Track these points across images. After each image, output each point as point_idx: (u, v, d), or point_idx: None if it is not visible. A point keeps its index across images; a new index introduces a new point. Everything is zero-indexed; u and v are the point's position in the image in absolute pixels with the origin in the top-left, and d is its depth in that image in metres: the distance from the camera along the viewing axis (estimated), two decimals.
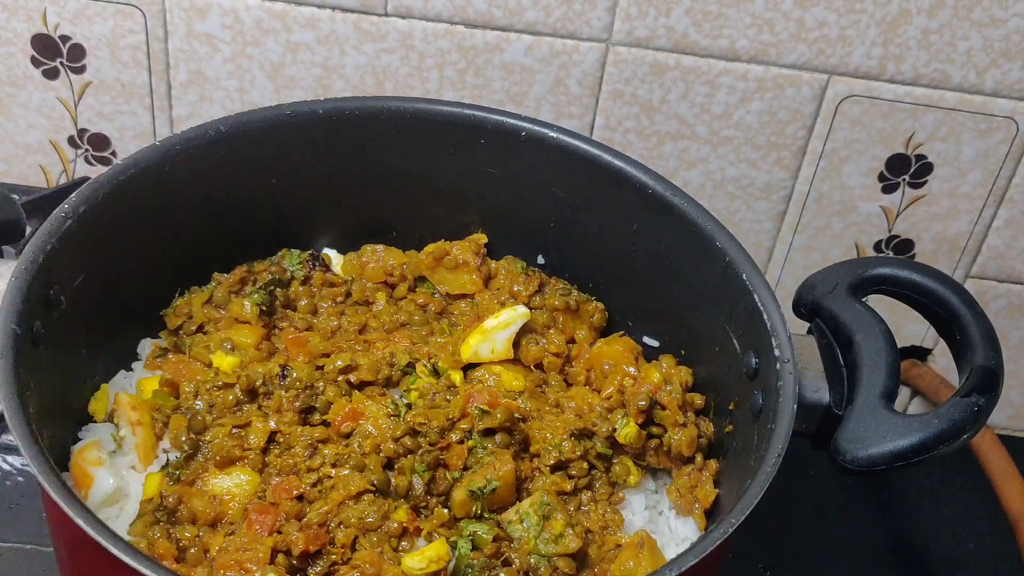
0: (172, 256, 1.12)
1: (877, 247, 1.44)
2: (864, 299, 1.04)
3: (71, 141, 1.42)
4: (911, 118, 1.33)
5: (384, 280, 1.20)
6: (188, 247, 1.13)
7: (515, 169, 1.16)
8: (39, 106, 1.38)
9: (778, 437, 0.91)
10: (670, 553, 1.02)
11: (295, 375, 1.03)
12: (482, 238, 1.21)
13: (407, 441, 0.98)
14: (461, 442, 1.00)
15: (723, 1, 1.25)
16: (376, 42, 1.31)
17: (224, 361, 1.06)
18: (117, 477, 1.00)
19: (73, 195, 1.00)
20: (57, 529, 0.93)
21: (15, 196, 1.06)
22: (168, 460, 1.01)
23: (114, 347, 1.10)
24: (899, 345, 1.02)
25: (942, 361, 1.51)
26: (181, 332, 1.13)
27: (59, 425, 1.00)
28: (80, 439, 1.03)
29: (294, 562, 0.91)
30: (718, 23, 1.27)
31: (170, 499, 0.96)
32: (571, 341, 1.17)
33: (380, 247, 1.21)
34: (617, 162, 1.12)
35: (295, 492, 0.96)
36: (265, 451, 1.01)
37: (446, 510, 0.97)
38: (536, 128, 1.14)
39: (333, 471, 0.97)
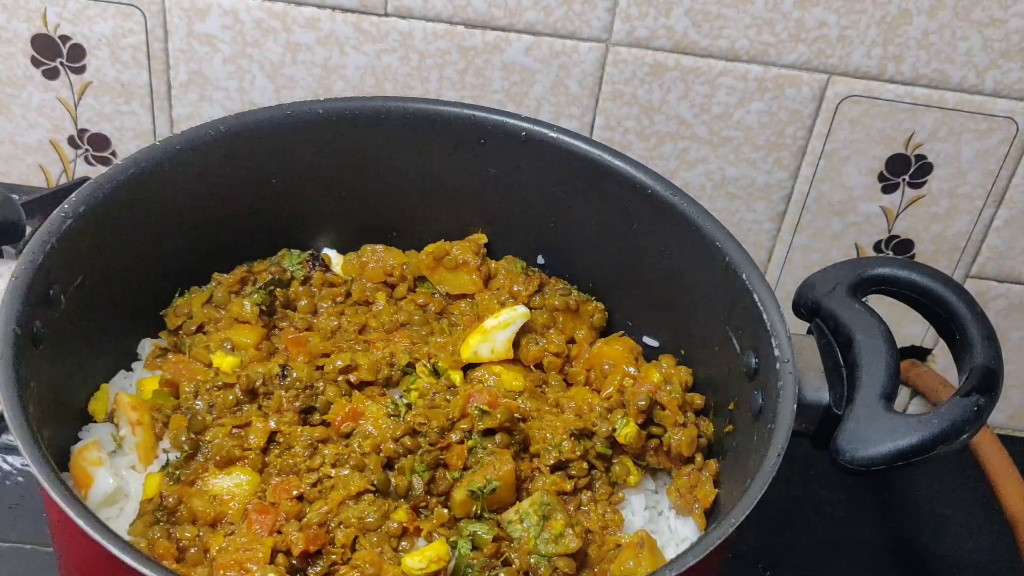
0: (172, 256, 1.12)
1: (877, 247, 1.44)
2: (864, 299, 1.04)
3: (71, 141, 1.42)
4: (911, 118, 1.33)
5: (384, 280, 1.20)
6: (188, 247, 1.13)
7: (515, 169, 1.16)
8: (39, 106, 1.38)
9: (778, 437, 0.91)
10: (670, 553, 1.02)
11: (295, 375, 1.03)
12: (482, 238, 1.21)
13: (407, 441, 0.98)
14: (461, 442, 1.00)
15: (723, 1, 1.25)
16: (376, 42, 1.31)
17: (224, 361, 1.06)
18: (117, 477, 1.00)
19: (73, 195, 1.00)
20: (57, 529, 0.93)
21: (15, 196, 1.06)
22: (168, 460, 1.01)
23: (114, 347, 1.10)
24: (899, 345, 1.02)
25: (942, 361, 1.51)
26: (181, 332, 1.13)
27: (59, 425, 1.00)
28: (80, 439, 1.03)
29: (294, 562, 0.91)
30: (718, 23, 1.27)
31: (170, 499, 0.96)
32: (571, 341, 1.17)
33: (380, 247, 1.21)
34: (617, 162, 1.12)
35: (295, 492, 0.96)
36: (265, 451, 1.01)
37: (446, 510, 0.97)
38: (536, 128, 1.14)
39: (333, 471, 0.97)
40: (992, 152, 1.35)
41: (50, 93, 1.37)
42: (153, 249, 1.09)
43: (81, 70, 1.35)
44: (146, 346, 1.13)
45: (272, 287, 1.14)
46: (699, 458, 1.05)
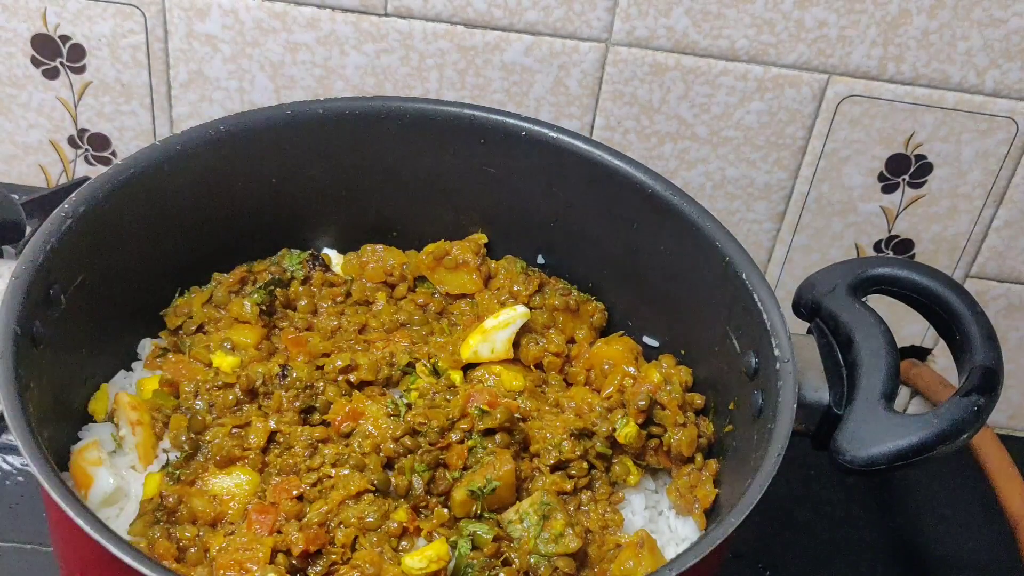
0: (172, 256, 1.12)
1: (877, 247, 1.44)
2: (864, 299, 1.04)
3: (71, 141, 1.42)
4: (911, 118, 1.33)
5: (384, 280, 1.20)
6: (188, 247, 1.13)
7: (515, 169, 1.16)
8: (39, 106, 1.38)
9: (778, 437, 0.91)
10: (670, 553, 1.02)
11: (295, 375, 1.03)
12: (482, 238, 1.21)
13: (407, 441, 0.98)
14: (461, 442, 1.00)
15: (723, 1, 1.25)
16: (376, 42, 1.31)
17: (224, 361, 1.06)
18: (117, 477, 1.00)
19: (73, 195, 1.00)
20: (57, 529, 0.93)
21: (15, 196, 1.06)
22: (168, 460, 1.01)
23: (114, 347, 1.10)
24: (899, 345, 1.02)
25: (942, 361, 1.51)
26: (181, 332, 1.13)
27: (59, 425, 1.00)
28: (80, 439, 1.03)
29: (294, 562, 0.91)
30: (718, 23, 1.27)
31: (170, 499, 0.96)
32: (571, 341, 1.17)
33: (380, 247, 1.21)
34: (617, 162, 1.12)
35: (295, 492, 0.96)
36: (265, 451, 1.01)
37: (446, 510, 0.97)
38: (536, 128, 1.14)
39: (333, 471, 0.97)
40: (992, 152, 1.35)
41: (50, 93, 1.37)
42: (153, 249, 1.09)
43: (81, 70, 1.35)
44: (146, 346, 1.13)
45: (272, 287, 1.14)
46: (699, 458, 1.05)
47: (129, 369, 1.12)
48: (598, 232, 1.16)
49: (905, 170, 1.37)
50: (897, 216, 1.41)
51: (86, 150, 1.42)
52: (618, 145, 1.33)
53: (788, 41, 1.28)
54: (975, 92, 1.31)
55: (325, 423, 1.02)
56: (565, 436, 1.02)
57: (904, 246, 1.44)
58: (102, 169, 1.37)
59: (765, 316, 0.99)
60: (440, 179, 1.18)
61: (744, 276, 1.02)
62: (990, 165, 1.36)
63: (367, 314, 1.16)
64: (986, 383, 0.96)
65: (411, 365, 1.07)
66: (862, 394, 0.97)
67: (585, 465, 1.03)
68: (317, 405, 1.03)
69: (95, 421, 1.05)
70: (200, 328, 1.13)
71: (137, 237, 1.07)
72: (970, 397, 0.94)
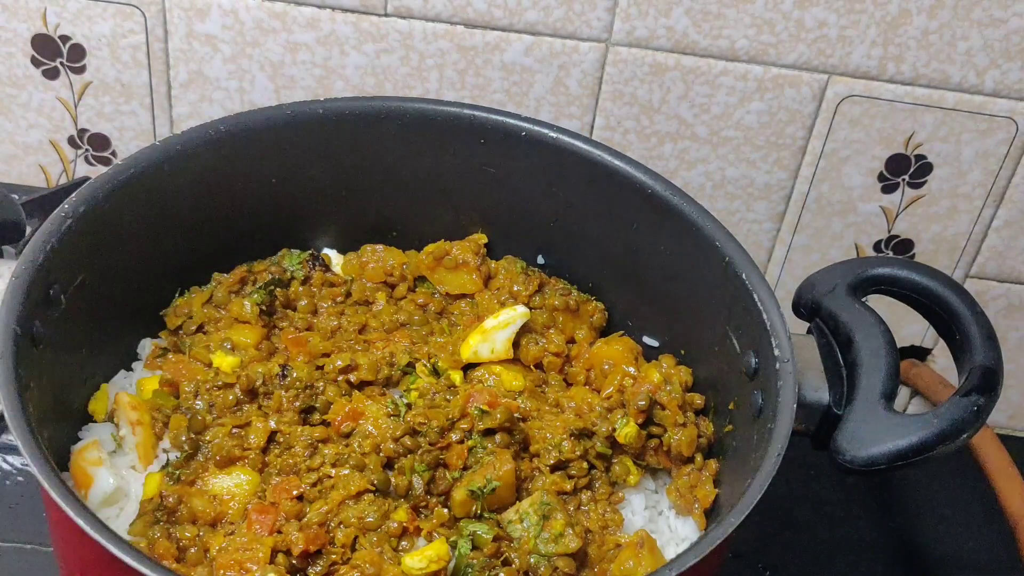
0: (172, 256, 1.12)
1: (877, 247, 1.44)
2: (864, 299, 1.04)
3: (71, 141, 1.42)
4: (911, 118, 1.33)
5: (384, 280, 1.20)
6: (188, 247, 1.13)
7: (515, 169, 1.16)
8: (39, 106, 1.38)
9: (778, 437, 0.91)
10: (670, 553, 1.02)
11: (295, 375, 1.03)
12: (482, 238, 1.21)
13: (407, 441, 0.98)
14: (461, 442, 1.00)
15: (723, 1, 1.25)
16: (376, 42, 1.31)
17: (224, 361, 1.06)
18: (117, 477, 1.00)
19: (73, 195, 1.00)
20: (57, 529, 0.93)
21: (15, 196, 1.06)
22: (168, 460, 1.01)
23: (114, 347, 1.10)
24: (899, 345, 1.02)
25: (942, 361, 1.51)
26: (181, 332, 1.13)
27: (59, 425, 1.00)
28: (80, 439, 1.03)
29: (294, 562, 0.91)
30: (718, 23, 1.27)
31: (170, 499, 0.96)
32: (571, 341, 1.17)
33: (380, 247, 1.21)
34: (617, 162, 1.12)
35: (295, 492, 0.96)
36: (265, 451, 1.01)
37: (446, 510, 0.97)
38: (536, 128, 1.14)
39: (333, 471, 0.97)
40: (992, 152, 1.35)
41: (50, 93, 1.37)
42: (153, 249, 1.09)
43: (81, 70, 1.35)
44: (146, 346, 1.13)
45: (272, 287, 1.14)
46: (699, 458, 1.05)
47: (129, 369, 1.12)
48: (598, 232, 1.16)
49: (905, 170, 1.37)
50: (897, 216, 1.41)
51: (86, 150, 1.42)
52: (618, 145, 1.33)
53: (788, 41, 1.28)
54: (975, 92, 1.31)
55: (325, 423, 1.02)
56: (565, 436, 1.02)
57: (904, 246, 1.44)
58: (102, 169, 1.37)
59: (765, 316, 0.99)
60: (440, 179, 1.18)
61: (744, 276, 1.02)
62: (990, 165, 1.36)
63: (367, 314, 1.16)
64: (986, 383, 0.96)
65: (411, 365, 1.07)
66: (862, 394, 0.97)
67: (585, 465, 1.03)
68: (317, 405, 1.03)
69: (95, 421, 1.05)
70: (200, 328, 1.13)
71: (137, 237, 1.07)
72: (970, 397, 0.94)
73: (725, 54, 1.29)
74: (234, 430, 1.01)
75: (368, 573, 0.91)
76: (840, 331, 1.01)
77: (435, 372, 1.07)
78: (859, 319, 1.01)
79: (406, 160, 1.17)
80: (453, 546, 0.94)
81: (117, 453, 1.03)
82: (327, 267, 1.19)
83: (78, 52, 1.34)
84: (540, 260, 1.22)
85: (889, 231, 1.42)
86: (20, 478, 1.28)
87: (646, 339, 1.18)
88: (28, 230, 1.03)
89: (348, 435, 1.01)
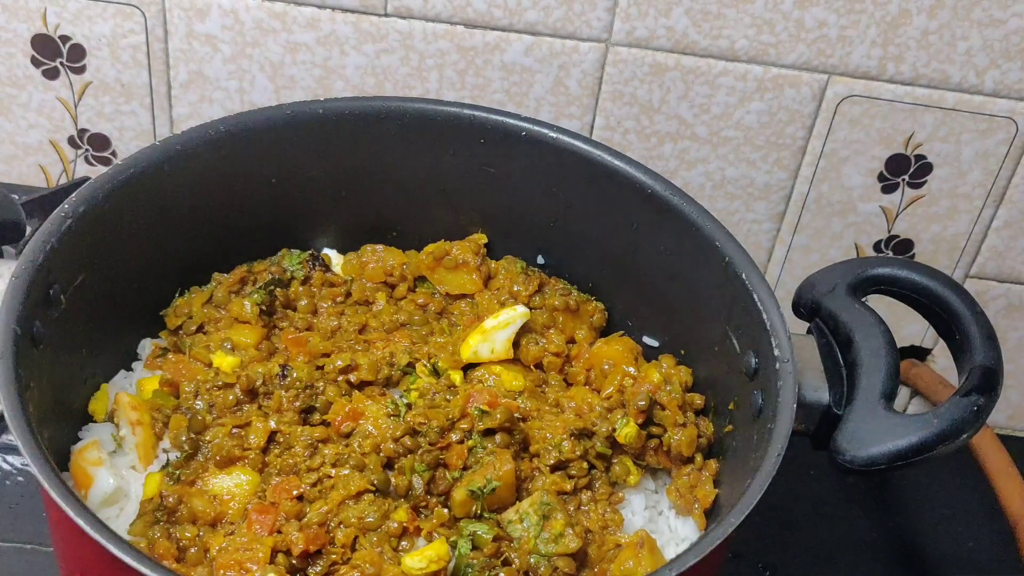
0: (172, 256, 1.12)
1: (877, 247, 1.44)
2: (864, 299, 1.04)
3: (71, 141, 1.42)
4: (910, 118, 1.33)
5: (384, 280, 1.20)
6: (188, 247, 1.13)
7: (515, 169, 1.16)
8: (39, 106, 1.38)
9: (778, 437, 0.91)
10: (670, 553, 1.02)
11: (295, 375, 1.03)
12: (482, 238, 1.21)
13: (407, 441, 0.98)
14: (461, 442, 1.00)
15: (723, 1, 1.25)
16: (376, 42, 1.31)
17: (224, 361, 1.06)
18: (117, 477, 1.00)
19: (73, 195, 1.00)
20: (57, 529, 0.93)
21: (15, 196, 1.06)
22: (168, 460, 1.01)
23: (114, 347, 1.10)
24: (899, 345, 1.02)
25: (942, 361, 1.51)
26: (181, 332, 1.13)
27: (59, 425, 1.00)
28: (80, 439, 1.03)
29: (294, 562, 0.91)
30: (718, 23, 1.27)
31: (170, 499, 0.96)
32: (571, 341, 1.17)
33: (380, 247, 1.21)
34: (617, 162, 1.12)
35: (295, 492, 0.96)
36: (265, 451, 1.01)
37: (446, 510, 0.97)
38: (536, 128, 1.14)
39: (333, 471, 0.97)
40: (992, 152, 1.35)
41: (50, 93, 1.37)
42: (153, 249, 1.09)
43: (81, 70, 1.35)
44: (146, 346, 1.13)
45: (272, 287, 1.14)
46: (699, 458, 1.05)
47: (129, 369, 1.12)
48: (598, 232, 1.16)
49: (905, 170, 1.37)
50: (897, 216, 1.41)
51: (86, 150, 1.42)
52: (618, 145, 1.33)
53: (788, 41, 1.28)
54: (975, 92, 1.31)
55: (325, 423, 1.02)
56: (565, 436, 1.02)
57: (904, 246, 1.44)
58: (102, 169, 1.37)
59: (765, 316, 0.99)
60: (440, 179, 1.18)
61: (744, 276, 1.02)
62: (990, 165, 1.36)
63: (367, 314, 1.16)
64: (986, 383, 0.96)
65: (411, 365, 1.07)
66: (862, 394, 0.97)
67: (585, 465, 1.03)
68: (317, 405, 1.03)
69: (95, 421, 1.05)
70: (200, 328, 1.13)
71: (137, 237, 1.07)
72: (970, 397, 0.94)
73: (725, 54, 1.29)
74: (234, 430, 1.01)
75: (368, 573, 0.91)
76: (840, 331, 1.01)
77: (435, 372, 1.07)
78: (859, 319, 1.01)
79: (406, 160, 1.17)
80: (453, 546, 0.94)
81: (117, 453, 1.03)
82: (327, 267, 1.19)
83: (78, 52, 1.34)
84: (540, 260, 1.22)
85: (889, 231, 1.42)
86: (20, 478, 1.28)
87: (646, 339, 1.18)
88: (28, 230, 1.03)
89: (348, 435, 1.01)
